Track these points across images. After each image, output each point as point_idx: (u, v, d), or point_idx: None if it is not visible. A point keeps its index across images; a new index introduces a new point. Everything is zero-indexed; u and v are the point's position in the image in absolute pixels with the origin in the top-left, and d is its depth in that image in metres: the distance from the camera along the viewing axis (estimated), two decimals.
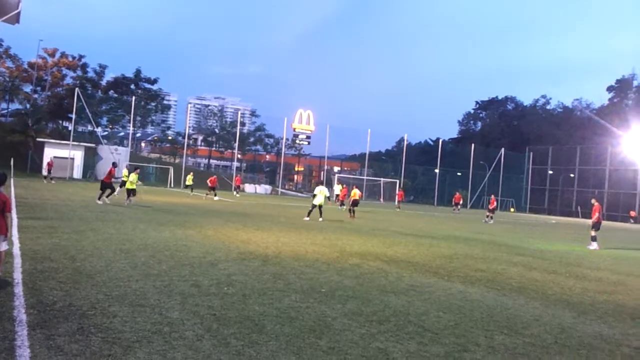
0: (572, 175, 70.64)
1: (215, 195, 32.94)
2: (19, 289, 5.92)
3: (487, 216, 32.48)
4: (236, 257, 9.59)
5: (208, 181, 34.00)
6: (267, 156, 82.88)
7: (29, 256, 7.96)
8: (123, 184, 28.38)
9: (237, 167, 65.18)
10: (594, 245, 18.25)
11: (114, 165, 22.67)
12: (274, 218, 20.91)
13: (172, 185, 52.21)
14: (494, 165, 70.30)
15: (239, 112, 71.83)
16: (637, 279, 11.25)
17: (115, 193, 22.88)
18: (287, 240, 13.17)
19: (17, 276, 6.57)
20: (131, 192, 21.49)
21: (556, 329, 6.16)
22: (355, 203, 25.81)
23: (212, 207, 25.16)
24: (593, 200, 20.05)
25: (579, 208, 63.83)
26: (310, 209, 21.90)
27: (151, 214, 18.01)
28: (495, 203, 34.11)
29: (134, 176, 21.80)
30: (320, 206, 21.78)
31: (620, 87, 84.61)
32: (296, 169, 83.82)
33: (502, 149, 71.10)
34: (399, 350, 4.79)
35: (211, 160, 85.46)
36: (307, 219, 21.11)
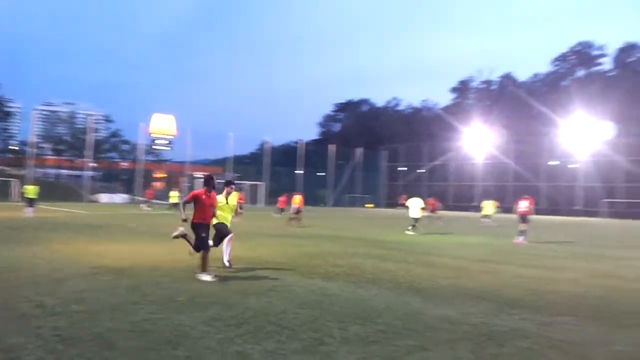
0: (422, 170, 76.10)
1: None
2: None
3: (436, 218, 31.75)
4: (87, 272, 8.99)
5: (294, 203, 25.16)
6: (125, 163, 78.63)
7: None
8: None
9: (91, 176, 61.10)
10: (520, 239, 18.45)
11: None
12: (131, 228, 19.94)
13: (15, 199, 47.45)
14: (353, 164, 73.49)
15: (91, 118, 67.36)
16: (476, 263, 12.43)
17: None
18: (145, 250, 12.63)
19: None
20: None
21: (406, 314, 6.59)
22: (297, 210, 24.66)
23: (62, 220, 23.34)
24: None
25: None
26: (414, 223, 21.73)
27: None
28: (435, 204, 32.88)
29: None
30: (416, 219, 21.65)
31: (462, 88, 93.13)
32: (156, 175, 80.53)
33: (359, 149, 74.61)
34: (258, 351, 4.82)
35: (61, 170, 79.08)
36: (414, 234, 21.08)
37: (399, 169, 78.92)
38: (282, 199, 34.95)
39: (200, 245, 8.77)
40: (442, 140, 73.98)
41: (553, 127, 65.37)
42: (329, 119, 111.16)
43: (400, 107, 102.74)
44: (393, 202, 74.02)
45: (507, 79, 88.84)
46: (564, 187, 64.05)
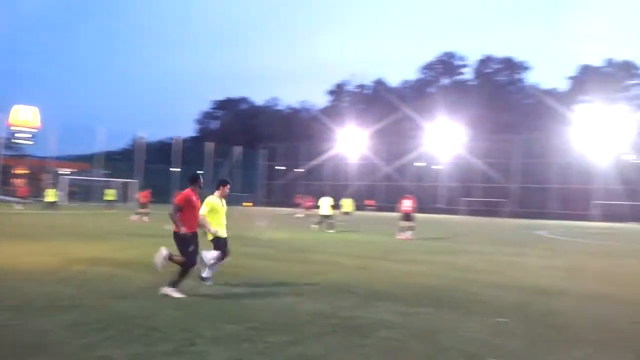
0: (300, 170, 77.42)
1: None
2: None
3: (310, 216, 31.24)
4: None
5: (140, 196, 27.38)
6: None
7: None
8: None
9: None
10: (407, 234, 19.90)
11: None
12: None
13: None
14: (231, 162, 72.89)
15: None
16: (351, 259, 12.96)
17: None
18: (2, 253, 11.58)
19: None
20: None
21: (280, 311, 6.71)
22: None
23: None
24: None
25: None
26: (327, 220, 22.95)
27: None
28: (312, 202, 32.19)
29: None
30: (326, 216, 22.94)
31: (338, 91, 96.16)
32: (16, 171, 73.81)
33: (237, 147, 74.19)
34: (124, 355, 4.66)
35: None
36: (316, 227, 23.06)
37: (277, 168, 79.64)
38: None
39: (189, 262, 7.53)
40: (319, 141, 75.78)
41: (420, 130, 69.73)
42: (207, 116, 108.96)
43: (279, 107, 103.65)
44: (272, 200, 74.58)
45: (379, 84, 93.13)
46: (428, 186, 68.59)
